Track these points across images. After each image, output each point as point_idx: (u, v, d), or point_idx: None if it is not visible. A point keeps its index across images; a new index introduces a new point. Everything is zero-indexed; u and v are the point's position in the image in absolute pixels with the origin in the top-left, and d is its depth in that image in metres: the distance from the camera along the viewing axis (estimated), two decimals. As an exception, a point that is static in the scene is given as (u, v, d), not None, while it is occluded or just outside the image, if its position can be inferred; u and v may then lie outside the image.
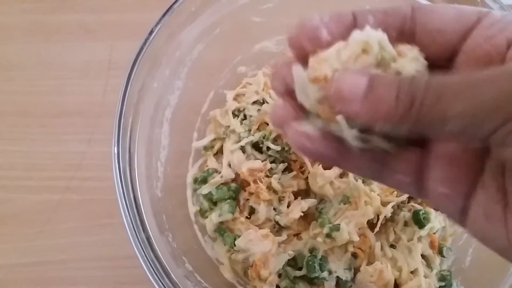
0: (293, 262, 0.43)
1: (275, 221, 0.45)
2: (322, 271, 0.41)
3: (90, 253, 0.50)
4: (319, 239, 0.42)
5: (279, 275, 0.42)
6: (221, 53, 0.50)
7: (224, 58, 0.51)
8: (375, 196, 0.43)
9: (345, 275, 0.42)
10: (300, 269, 0.43)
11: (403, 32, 0.23)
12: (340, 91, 0.20)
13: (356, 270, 0.43)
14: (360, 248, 0.43)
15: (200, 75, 0.48)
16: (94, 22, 0.62)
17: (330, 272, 0.42)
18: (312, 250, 0.43)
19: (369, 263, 0.43)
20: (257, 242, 0.42)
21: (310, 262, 0.41)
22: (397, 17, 0.23)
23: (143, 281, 0.33)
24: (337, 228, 0.41)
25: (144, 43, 0.39)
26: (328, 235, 0.41)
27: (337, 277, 0.42)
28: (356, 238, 0.41)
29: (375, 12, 0.23)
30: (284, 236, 0.44)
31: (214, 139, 0.50)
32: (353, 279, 0.43)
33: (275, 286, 0.42)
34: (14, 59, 0.60)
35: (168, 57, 0.43)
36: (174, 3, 0.41)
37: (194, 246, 0.45)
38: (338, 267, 0.42)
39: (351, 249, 0.43)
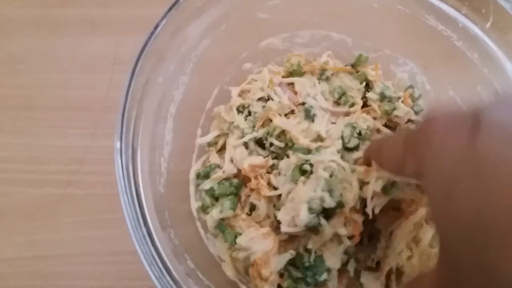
0: (295, 262, 0.43)
1: (275, 217, 0.44)
2: (320, 274, 0.40)
3: (92, 248, 0.49)
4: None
5: (281, 275, 0.42)
6: (226, 50, 0.50)
7: (230, 54, 0.51)
8: (354, 184, 0.40)
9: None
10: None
11: None
12: None
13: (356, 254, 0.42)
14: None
15: (205, 71, 0.47)
16: (100, 16, 0.62)
17: (329, 271, 0.40)
18: (307, 249, 0.42)
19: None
20: (258, 241, 0.41)
21: (304, 270, 0.40)
22: None
23: (145, 277, 0.33)
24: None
25: (149, 38, 0.39)
26: (312, 230, 0.39)
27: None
28: (343, 231, 0.39)
29: None
30: (285, 235, 0.43)
31: (218, 136, 0.49)
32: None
33: (276, 286, 0.41)
34: (19, 53, 0.60)
35: (173, 52, 0.42)
36: (180, -3, 0.40)
37: (196, 243, 0.44)
38: (335, 263, 0.41)
39: (346, 240, 0.40)
